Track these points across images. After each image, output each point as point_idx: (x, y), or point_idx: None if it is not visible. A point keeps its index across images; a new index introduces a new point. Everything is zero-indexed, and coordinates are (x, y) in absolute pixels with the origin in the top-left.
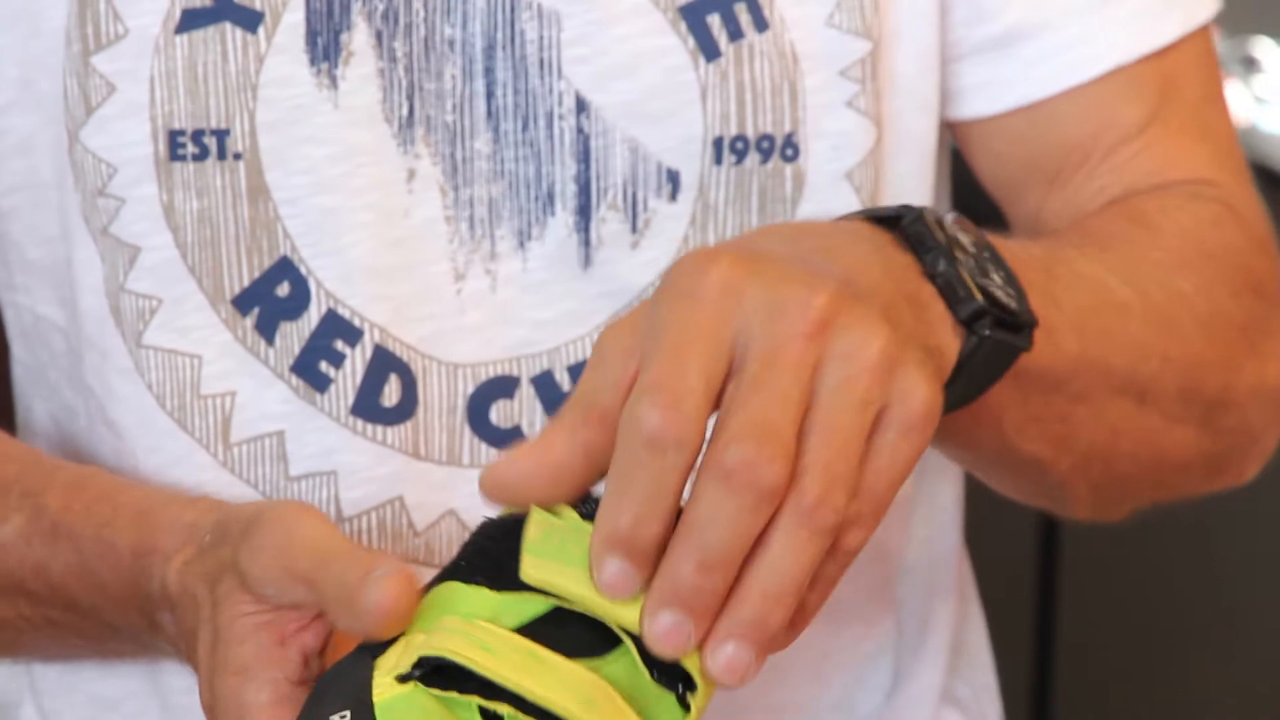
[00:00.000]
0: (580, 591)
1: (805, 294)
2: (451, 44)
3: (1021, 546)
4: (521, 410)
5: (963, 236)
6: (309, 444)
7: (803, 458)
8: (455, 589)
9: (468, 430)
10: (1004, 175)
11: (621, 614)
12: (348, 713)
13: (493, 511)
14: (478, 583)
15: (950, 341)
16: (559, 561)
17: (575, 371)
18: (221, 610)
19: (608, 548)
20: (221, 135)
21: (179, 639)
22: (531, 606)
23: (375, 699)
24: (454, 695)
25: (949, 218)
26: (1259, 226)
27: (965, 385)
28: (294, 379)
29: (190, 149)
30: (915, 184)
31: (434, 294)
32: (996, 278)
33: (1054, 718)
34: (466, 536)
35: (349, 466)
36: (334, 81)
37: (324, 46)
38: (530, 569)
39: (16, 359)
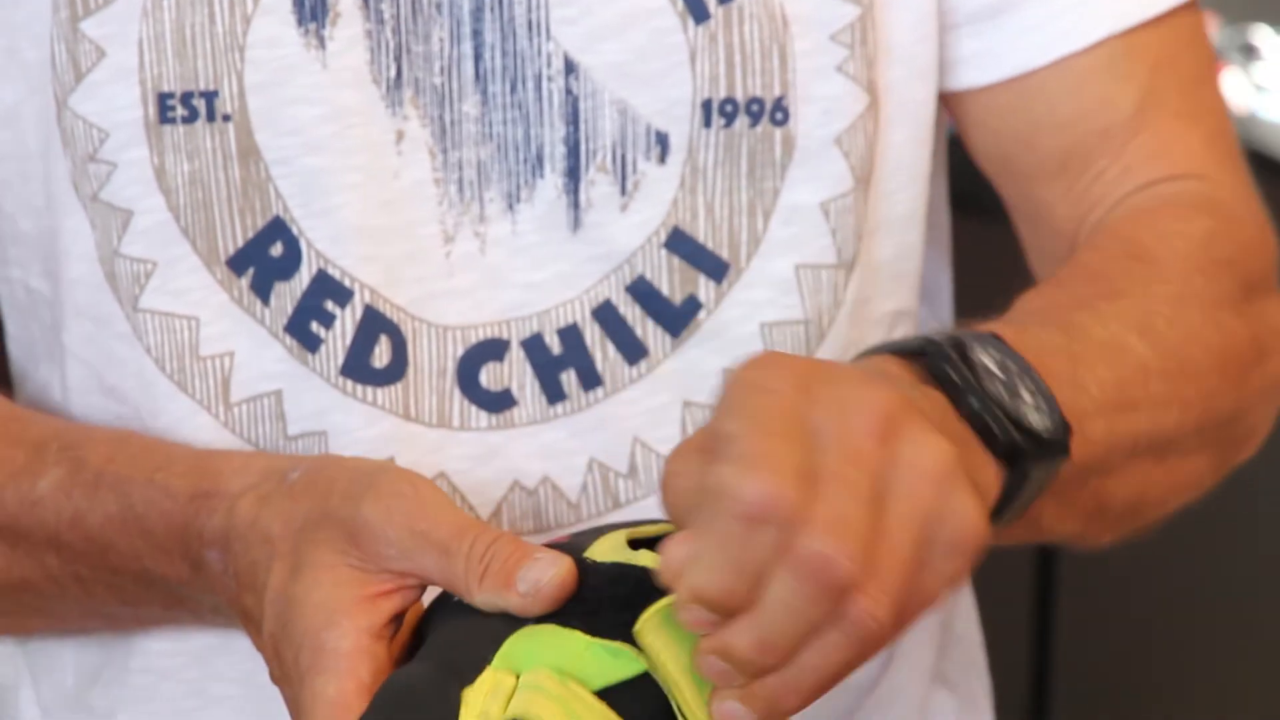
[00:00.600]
0: (675, 675)
1: (875, 396)
2: (439, 6)
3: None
4: (511, 373)
5: (988, 360)
6: (304, 404)
7: (868, 565)
8: (550, 629)
9: (458, 393)
10: (997, 151)
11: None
12: None
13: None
14: (573, 627)
15: (992, 478)
16: (673, 636)
17: (565, 334)
18: (317, 551)
19: (718, 653)
20: (210, 97)
21: (227, 577)
22: (622, 666)
23: None
24: None
25: (969, 339)
26: (1251, 223)
27: (1012, 512)
28: (288, 339)
29: (179, 111)
30: (911, 152)
31: (423, 256)
32: (1026, 395)
33: (1052, 707)
34: (458, 500)
35: (340, 427)
36: (322, 42)
37: (311, 7)
38: (646, 631)
39: (10, 335)
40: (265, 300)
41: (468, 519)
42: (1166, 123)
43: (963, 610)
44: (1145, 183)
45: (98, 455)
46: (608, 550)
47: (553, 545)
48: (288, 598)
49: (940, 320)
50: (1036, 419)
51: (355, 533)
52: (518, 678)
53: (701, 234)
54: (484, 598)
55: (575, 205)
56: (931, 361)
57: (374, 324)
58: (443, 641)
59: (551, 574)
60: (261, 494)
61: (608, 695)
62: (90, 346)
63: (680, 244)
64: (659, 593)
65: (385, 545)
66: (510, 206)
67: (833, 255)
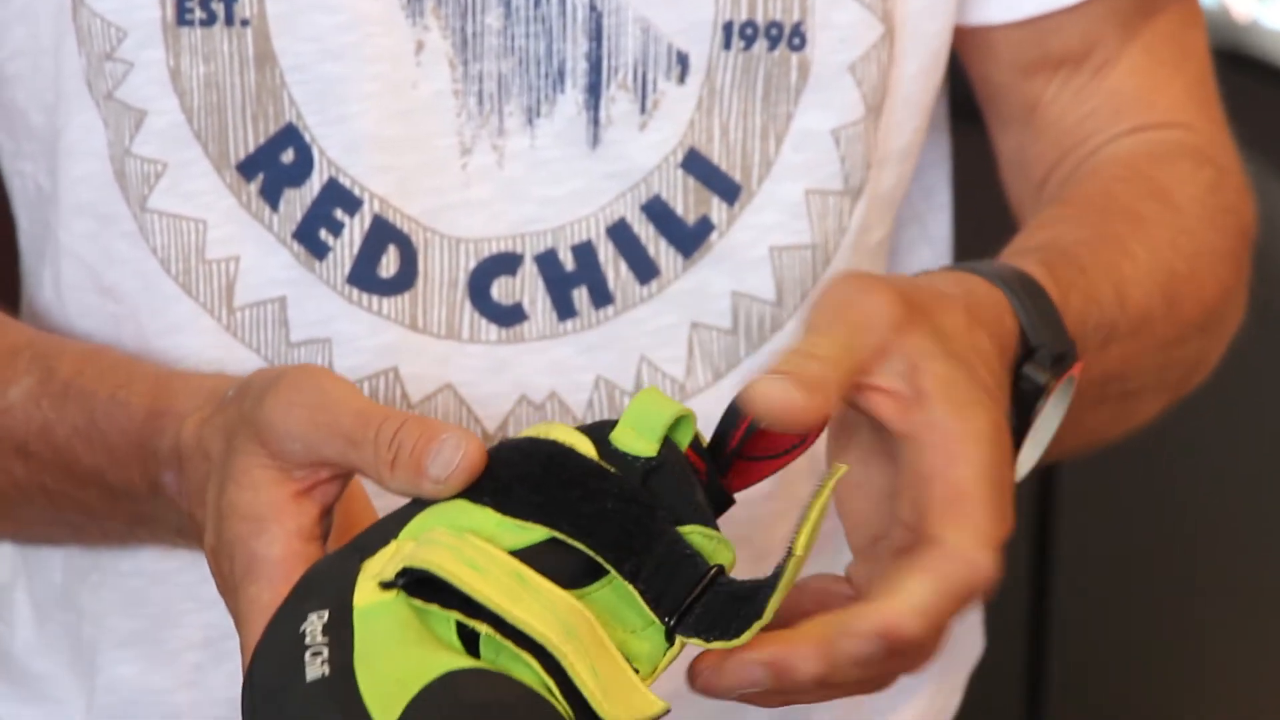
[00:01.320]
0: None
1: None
2: None
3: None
4: (523, 287)
5: (1055, 387)
6: (309, 311)
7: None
8: (461, 506)
9: (468, 305)
10: (996, 77)
11: None
12: (326, 612)
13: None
14: (483, 503)
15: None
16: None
17: (579, 251)
18: (235, 459)
19: (887, 637)
20: (229, 1)
21: (181, 498)
22: (530, 535)
23: (356, 603)
24: (434, 609)
25: (1065, 359)
26: (1235, 172)
27: None
28: (295, 245)
29: (198, 14)
30: (920, 85)
31: (439, 167)
32: (1041, 430)
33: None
34: (464, 412)
35: (344, 335)
36: None
37: None
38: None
39: (22, 230)
40: (274, 206)
41: (371, 405)
42: (1155, 69)
43: None
44: (1135, 126)
45: (67, 366)
46: (528, 432)
47: None
48: (219, 510)
49: (932, 240)
50: (1028, 455)
51: (260, 432)
52: None
53: (716, 155)
54: (397, 485)
55: (595, 122)
56: (1029, 368)
57: (382, 233)
58: (361, 532)
59: (460, 455)
60: (204, 415)
61: (519, 558)
62: (91, 244)
63: (696, 165)
64: (570, 471)
65: (289, 441)
66: (530, 121)
67: (840, 182)
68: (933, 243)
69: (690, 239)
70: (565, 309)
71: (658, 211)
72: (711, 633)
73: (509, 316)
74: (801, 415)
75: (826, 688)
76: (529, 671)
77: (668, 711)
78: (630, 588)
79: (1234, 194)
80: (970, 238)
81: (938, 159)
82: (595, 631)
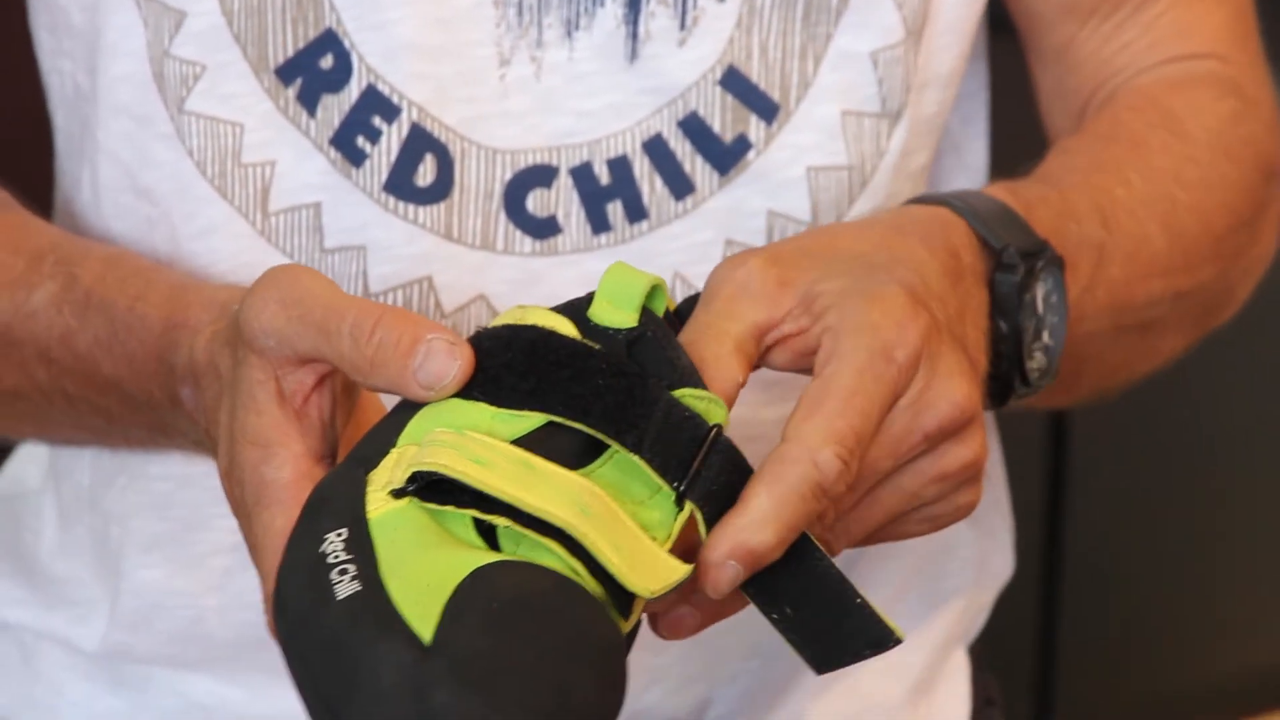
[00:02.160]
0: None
1: (956, 399)
2: None
3: (1033, 436)
4: (558, 200)
5: (1040, 292)
6: (344, 217)
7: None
8: (453, 404)
9: (503, 216)
10: (1038, 8)
11: None
12: (345, 530)
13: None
14: (474, 398)
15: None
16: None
17: (614, 165)
18: (239, 378)
19: (743, 557)
20: None
21: (198, 413)
22: (527, 422)
23: (369, 514)
24: (449, 509)
25: (1042, 260)
26: (1267, 106)
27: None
28: (332, 151)
29: None
30: (961, 10)
31: (477, 77)
32: (1046, 338)
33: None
34: None
35: (379, 242)
36: None
37: None
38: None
39: (59, 130)
40: (311, 112)
41: (344, 297)
42: (1196, 4)
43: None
44: (1170, 58)
45: (90, 273)
46: (503, 319)
47: None
48: (230, 434)
49: (969, 169)
50: (1038, 361)
51: (242, 332)
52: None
53: (755, 74)
54: (380, 385)
55: (633, 36)
56: (1000, 274)
57: (420, 142)
58: (358, 443)
59: (454, 369)
60: (216, 330)
61: (519, 445)
62: (128, 145)
63: (734, 82)
64: (556, 353)
65: (264, 337)
66: (568, 34)
67: (877, 104)
68: (969, 171)
69: (727, 157)
70: (600, 223)
71: (694, 128)
72: (716, 506)
73: (543, 229)
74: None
75: None
76: (552, 557)
77: (691, 574)
78: (636, 459)
79: (1259, 126)
80: (1006, 166)
81: (976, 88)
82: (609, 506)
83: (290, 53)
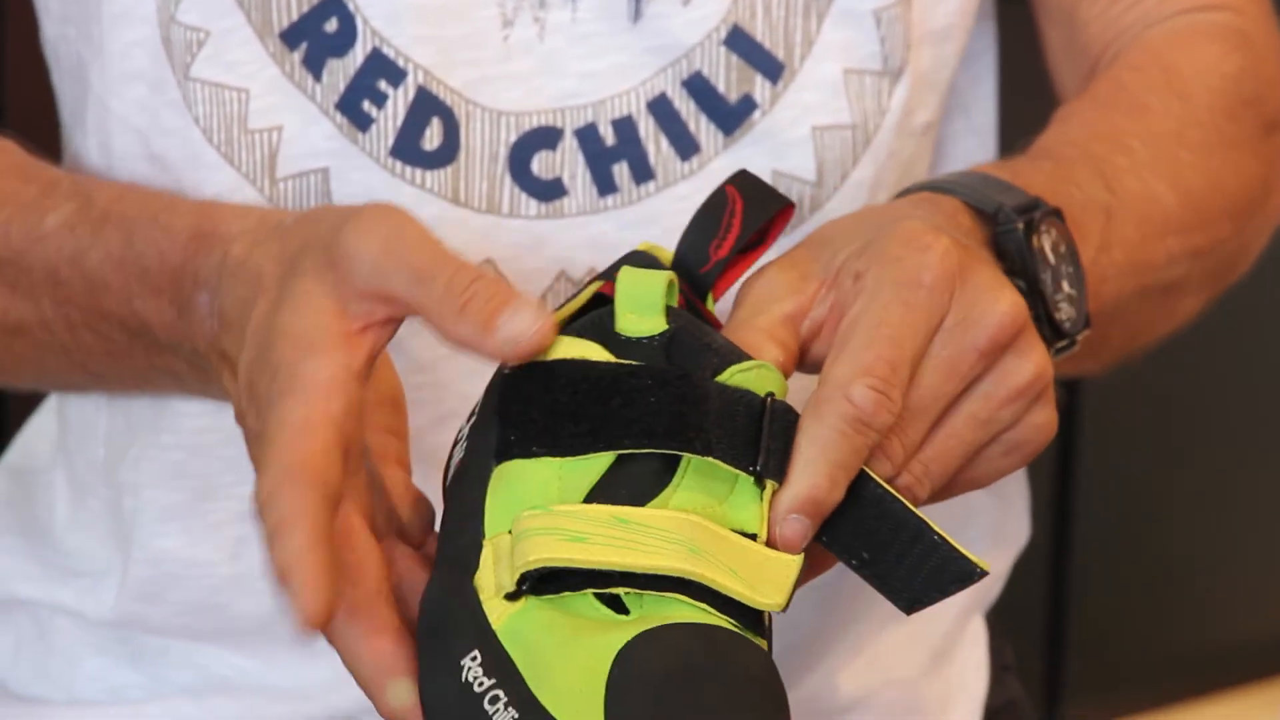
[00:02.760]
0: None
1: (1000, 309)
2: None
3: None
4: (563, 162)
5: (1046, 243)
6: (351, 183)
7: (920, 443)
8: (519, 468)
9: (509, 179)
10: None
11: None
12: (477, 652)
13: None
14: (536, 455)
15: None
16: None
17: (619, 126)
18: (297, 282)
19: (801, 507)
20: None
21: (210, 319)
22: (598, 464)
23: (494, 625)
24: (568, 595)
25: (1038, 214)
26: (1273, 59)
27: None
28: (338, 116)
29: None
30: None
31: (481, 39)
32: (1066, 286)
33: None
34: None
35: None
36: None
37: None
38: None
39: (61, 98)
40: (317, 76)
41: (449, 252)
42: None
43: None
44: (1181, 9)
45: (106, 195)
46: (567, 347)
47: None
48: (269, 326)
49: (978, 130)
50: (1066, 311)
51: (332, 254)
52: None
53: (759, 33)
54: (462, 332)
55: None
56: (1001, 231)
57: (426, 105)
58: (442, 539)
59: (535, 329)
60: (256, 238)
61: (598, 493)
62: (141, 111)
63: (739, 42)
64: (599, 384)
65: (358, 263)
66: None
67: (879, 62)
68: (978, 132)
69: (732, 117)
70: (605, 184)
71: (699, 88)
72: (785, 474)
73: (549, 191)
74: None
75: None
76: (680, 606)
77: (803, 560)
78: (710, 460)
79: (1262, 84)
80: (1014, 127)
81: (983, 48)
82: (711, 530)
83: (294, 17)
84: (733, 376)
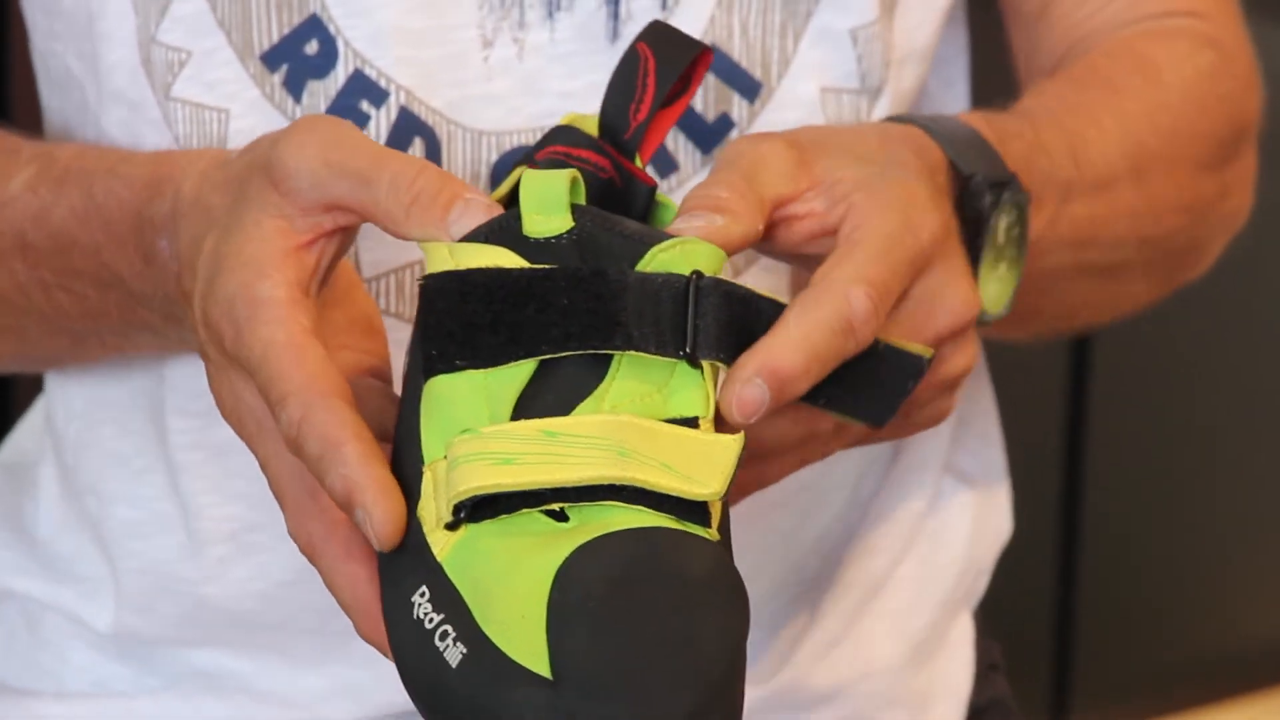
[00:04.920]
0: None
1: (962, 300)
2: None
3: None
4: None
5: (1003, 222)
6: None
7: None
8: (443, 383)
9: None
10: None
11: None
12: (425, 587)
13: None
14: (459, 368)
15: None
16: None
17: None
18: (243, 208)
19: (768, 376)
20: None
21: (172, 261)
22: (522, 370)
23: (439, 558)
24: (504, 519)
25: (1008, 190)
26: (1244, 64)
27: None
28: None
29: None
30: None
31: (462, 60)
32: (1003, 268)
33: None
34: None
35: (369, 228)
36: None
37: None
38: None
39: (48, 108)
40: (297, 98)
41: (388, 150)
42: None
43: (981, 409)
44: (1149, 14)
45: (67, 153)
46: (438, 265)
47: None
48: (217, 255)
49: (956, 94)
50: (993, 291)
51: (270, 171)
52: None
53: (736, 53)
54: (414, 229)
55: (615, 16)
56: (967, 195)
57: (409, 126)
58: (394, 467)
59: (487, 218)
60: (205, 174)
61: (525, 399)
62: (125, 131)
63: (717, 61)
64: (514, 291)
65: (298, 178)
66: (550, 14)
67: (856, 81)
68: None
69: (710, 135)
70: None
71: None
72: (732, 347)
73: None
74: (733, 240)
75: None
76: (617, 511)
77: (745, 440)
78: (638, 354)
79: (1234, 83)
80: None
81: (955, 52)
82: (643, 426)
83: (275, 39)
84: (654, 259)
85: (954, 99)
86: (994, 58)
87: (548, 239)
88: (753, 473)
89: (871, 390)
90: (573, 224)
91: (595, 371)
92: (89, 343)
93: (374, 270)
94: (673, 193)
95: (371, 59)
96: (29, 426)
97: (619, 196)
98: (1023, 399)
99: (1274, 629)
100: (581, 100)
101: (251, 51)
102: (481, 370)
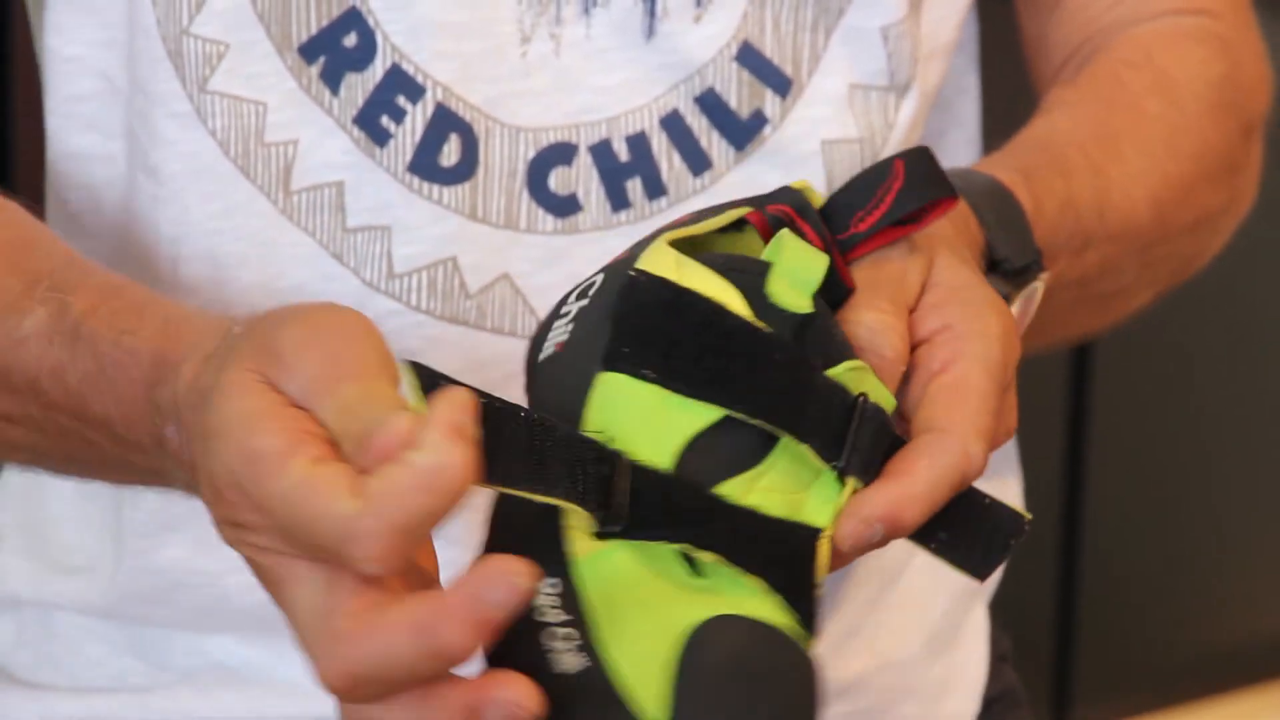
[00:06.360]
0: None
1: (1016, 411)
2: None
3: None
4: (578, 178)
5: (1021, 297)
6: (366, 197)
7: None
8: (625, 385)
9: (526, 195)
10: None
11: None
12: (557, 580)
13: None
14: (644, 377)
15: None
16: None
17: (633, 142)
18: (224, 372)
19: (886, 518)
20: None
21: (182, 451)
22: (704, 415)
23: (579, 558)
24: (646, 547)
25: (1031, 272)
26: (1253, 64)
27: None
28: (355, 131)
29: None
30: None
31: (500, 55)
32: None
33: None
34: (520, 303)
35: (404, 223)
36: None
37: None
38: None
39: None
40: (334, 90)
41: (380, 389)
42: None
43: None
44: (1163, 11)
45: (82, 303)
46: (653, 264)
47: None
48: (205, 431)
49: (961, 123)
50: None
51: (269, 352)
52: None
53: (769, 49)
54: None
55: (651, 13)
56: (991, 278)
57: (445, 122)
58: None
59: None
60: (205, 353)
61: (693, 446)
62: (141, 122)
63: (750, 58)
64: (733, 337)
65: (291, 378)
66: (586, 10)
67: (885, 78)
68: (962, 125)
69: (743, 132)
70: (619, 200)
71: (711, 104)
72: (871, 475)
73: (565, 207)
74: (897, 379)
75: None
76: (748, 593)
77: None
78: (804, 448)
79: (1243, 92)
80: (998, 120)
81: (965, 41)
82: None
83: (314, 31)
84: (843, 374)
85: (965, 89)
86: (1005, 49)
87: (783, 310)
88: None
89: (977, 544)
90: (812, 309)
91: (762, 447)
92: (110, 473)
93: (407, 266)
94: (706, 190)
95: (409, 53)
96: None
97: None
98: (1025, 390)
99: (1275, 622)
100: (617, 97)
101: (290, 44)
102: (664, 390)
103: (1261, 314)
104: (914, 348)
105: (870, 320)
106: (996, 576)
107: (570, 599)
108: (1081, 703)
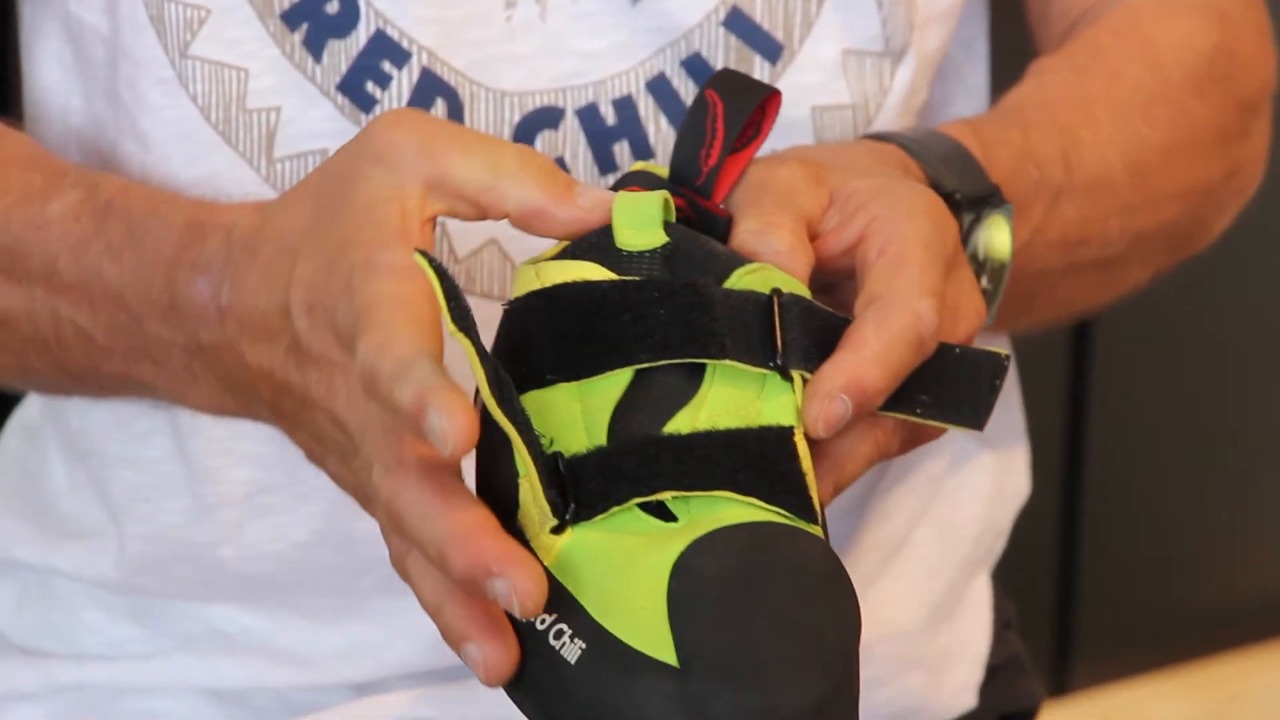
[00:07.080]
0: None
1: (976, 309)
2: None
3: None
4: (565, 142)
5: (983, 239)
6: None
7: None
8: (539, 399)
9: None
10: None
11: None
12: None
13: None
14: (552, 382)
15: None
16: None
17: (620, 105)
18: (350, 195)
19: (850, 388)
20: None
21: (212, 303)
22: (618, 380)
23: (546, 564)
24: (611, 517)
25: (989, 210)
26: (1252, 36)
27: None
28: (340, 97)
29: None
30: None
31: (484, 20)
32: (984, 281)
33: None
34: (508, 268)
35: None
36: None
37: None
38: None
39: (58, 59)
40: (317, 57)
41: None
42: None
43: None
44: None
45: (112, 185)
46: (526, 284)
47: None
48: (326, 248)
49: (970, 91)
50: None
51: (372, 148)
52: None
53: (759, 15)
54: (547, 203)
55: None
56: (953, 205)
57: (431, 87)
58: (478, 477)
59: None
60: (262, 210)
61: (621, 410)
62: (128, 88)
63: (738, 23)
64: (607, 302)
65: (403, 148)
66: None
67: (880, 43)
68: (970, 94)
69: None
70: (606, 164)
71: (698, 69)
72: (816, 360)
73: None
74: (800, 270)
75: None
76: (730, 505)
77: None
78: (732, 363)
79: (1238, 65)
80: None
81: (975, 11)
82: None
83: None
84: (740, 280)
85: (974, 58)
86: (1013, 18)
87: (640, 252)
88: (829, 483)
89: (962, 395)
90: (666, 239)
91: (690, 381)
92: (85, 384)
93: (466, 249)
94: None
95: (393, 19)
96: (35, 397)
97: (698, 229)
98: (1026, 358)
99: (1275, 581)
100: (603, 61)
101: (272, 10)
102: (575, 383)
103: (1262, 283)
104: (849, 250)
105: (751, 225)
106: (998, 545)
107: (551, 599)
108: (1082, 662)
